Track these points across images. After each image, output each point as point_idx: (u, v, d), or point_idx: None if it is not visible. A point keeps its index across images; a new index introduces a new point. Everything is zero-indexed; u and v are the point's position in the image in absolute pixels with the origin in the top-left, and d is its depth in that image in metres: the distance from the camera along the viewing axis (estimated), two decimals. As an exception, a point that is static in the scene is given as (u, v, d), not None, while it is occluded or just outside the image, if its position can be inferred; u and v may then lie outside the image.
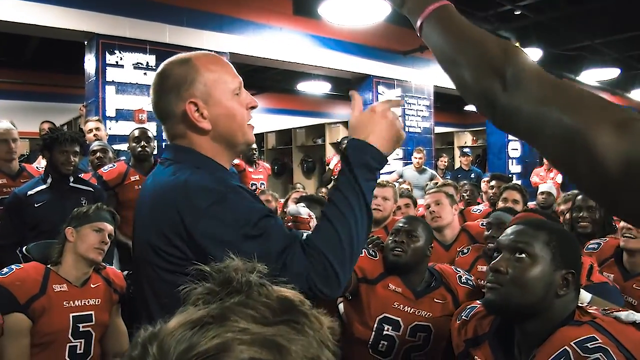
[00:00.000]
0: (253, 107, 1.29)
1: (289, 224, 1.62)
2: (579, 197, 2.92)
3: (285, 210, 2.83)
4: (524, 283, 1.36)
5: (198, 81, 1.21)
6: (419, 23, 0.90)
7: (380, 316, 2.13)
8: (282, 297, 0.55)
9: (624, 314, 1.31)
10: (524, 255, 1.37)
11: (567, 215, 3.27)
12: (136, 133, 3.83)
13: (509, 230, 1.47)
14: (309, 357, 0.50)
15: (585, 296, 1.66)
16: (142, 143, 3.76)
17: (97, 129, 4.54)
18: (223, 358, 0.45)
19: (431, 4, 0.89)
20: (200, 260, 0.80)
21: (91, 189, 3.32)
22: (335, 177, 1.24)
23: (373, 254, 2.26)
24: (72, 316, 2.06)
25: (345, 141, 1.31)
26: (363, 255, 2.23)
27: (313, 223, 1.68)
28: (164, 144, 5.21)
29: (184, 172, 1.15)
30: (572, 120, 0.67)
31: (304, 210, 1.68)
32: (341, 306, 2.54)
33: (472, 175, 7.90)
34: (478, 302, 1.65)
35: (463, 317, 1.63)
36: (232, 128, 1.25)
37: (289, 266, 1.10)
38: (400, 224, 2.23)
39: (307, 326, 0.52)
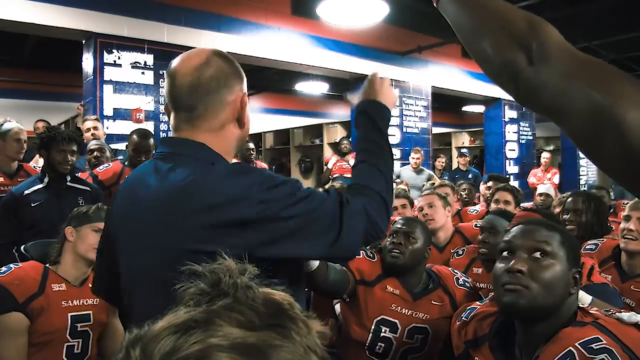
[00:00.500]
0: None
1: None
2: (569, 199, 2.91)
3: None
4: (548, 283, 1.33)
5: (244, 82, 1.27)
6: None
7: (378, 318, 2.13)
8: (269, 301, 0.54)
9: (626, 315, 1.31)
10: (543, 255, 1.36)
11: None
12: (137, 140, 3.69)
13: (517, 231, 1.45)
14: None
15: (586, 298, 1.66)
16: (142, 157, 3.61)
17: (95, 127, 4.53)
18: None
19: None
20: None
21: (88, 188, 3.30)
22: (358, 129, 1.43)
23: (371, 255, 2.25)
24: (71, 316, 2.06)
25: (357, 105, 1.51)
26: (361, 257, 2.23)
27: None
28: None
29: (207, 168, 1.13)
30: (600, 95, 0.66)
31: None
32: (337, 307, 2.54)
33: (470, 176, 7.91)
34: (478, 303, 1.65)
35: (463, 318, 1.63)
36: (246, 134, 1.29)
37: (351, 206, 1.18)
38: (399, 225, 2.22)
39: (293, 331, 0.52)
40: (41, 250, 2.24)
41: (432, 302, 2.13)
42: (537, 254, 1.36)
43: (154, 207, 1.13)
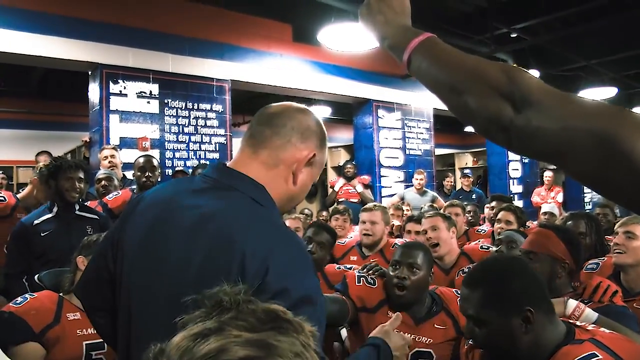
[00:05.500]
0: None
1: None
2: (569, 222, 2.91)
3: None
4: (488, 345, 1.44)
5: (322, 148, 1.24)
6: (405, 57, 0.88)
7: None
8: (267, 309, 0.65)
9: None
10: (474, 322, 1.43)
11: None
12: (141, 162, 3.85)
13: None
14: (295, 352, 0.59)
15: (591, 315, 1.68)
16: (147, 173, 3.78)
17: (112, 156, 4.61)
18: (222, 356, 0.55)
19: (415, 37, 0.87)
20: None
21: (96, 216, 3.34)
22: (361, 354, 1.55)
23: (372, 281, 2.25)
24: (86, 344, 2.07)
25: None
26: (362, 284, 2.22)
27: None
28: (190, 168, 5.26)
29: (271, 221, 1.10)
30: (601, 129, 0.66)
31: None
32: (343, 331, 2.54)
33: (474, 197, 7.93)
34: None
35: (470, 342, 1.66)
36: (297, 197, 1.24)
37: None
38: (399, 257, 2.19)
39: (291, 330, 0.62)
40: (54, 279, 2.26)
41: (435, 325, 2.12)
42: (473, 323, 1.45)
43: (198, 240, 1.05)
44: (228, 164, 1.20)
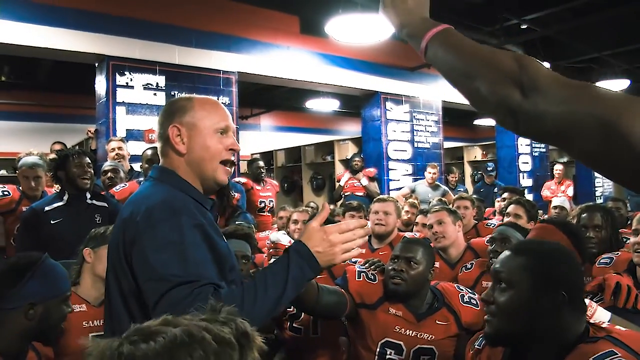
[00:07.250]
0: (233, 150, 1.48)
1: (270, 251, 1.71)
2: (584, 215, 2.84)
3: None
4: (507, 312, 1.35)
5: (189, 114, 1.47)
6: (423, 45, 0.95)
7: (382, 340, 2.11)
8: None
9: None
10: (503, 283, 1.37)
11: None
12: (149, 154, 3.82)
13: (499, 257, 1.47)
14: None
15: (604, 315, 1.63)
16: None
17: (120, 148, 4.61)
18: None
19: (434, 27, 0.94)
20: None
21: (106, 204, 3.32)
22: (281, 258, 1.36)
23: (372, 277, 2.23)
24: (92, 336, 2.05)
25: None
26: (362, 280, 2.21)
27: None
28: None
29: (162, 191, 1.40)
30: (602, 112, 0.70)
31: (284, 238, 1.75)
32: (350, 326, 2.51)
33: (496, 190, 7.81)
34: None
35: (476, 347, 1.62)
36: (203, 158, 1.45)
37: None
38: (398, 251, 2.19)
39: None
40: (61, 271, 2.24)
41: (437, 322, 2.11)
42: (499, 283, 1.38)
43: (120, 213, 1.45)
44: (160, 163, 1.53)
